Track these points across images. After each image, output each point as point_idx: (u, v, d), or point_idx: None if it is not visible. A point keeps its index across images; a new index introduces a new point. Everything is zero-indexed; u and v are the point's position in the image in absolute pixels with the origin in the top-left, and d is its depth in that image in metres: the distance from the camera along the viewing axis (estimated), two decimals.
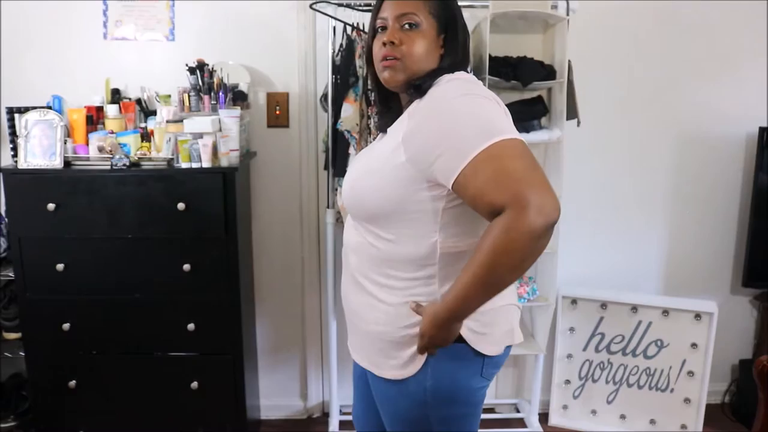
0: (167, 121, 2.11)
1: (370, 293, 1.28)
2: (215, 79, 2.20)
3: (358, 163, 1.33)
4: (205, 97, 2.18)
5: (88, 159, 2.13)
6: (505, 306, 1.29)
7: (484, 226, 1.10)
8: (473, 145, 1.07)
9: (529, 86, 2.24)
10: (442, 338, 1.18)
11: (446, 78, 1.21)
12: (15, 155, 2.16)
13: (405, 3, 1.25)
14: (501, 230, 1.03)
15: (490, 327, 1.25)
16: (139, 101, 2.33)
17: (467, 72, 1.28)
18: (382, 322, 1.26)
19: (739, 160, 2.62)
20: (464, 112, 1.12)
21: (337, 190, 2.32)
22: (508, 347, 1.32)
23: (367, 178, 1.25)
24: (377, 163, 1.24)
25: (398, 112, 1.30)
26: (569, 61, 2.23)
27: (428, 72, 1.25)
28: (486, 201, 1.06)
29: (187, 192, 2.07)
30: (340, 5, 2.22)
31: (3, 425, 2.42)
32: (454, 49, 1.29)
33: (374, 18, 1.31)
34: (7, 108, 2.21)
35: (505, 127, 1.10)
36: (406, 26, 1.25)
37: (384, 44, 1.26)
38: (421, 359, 1.24)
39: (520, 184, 1.02)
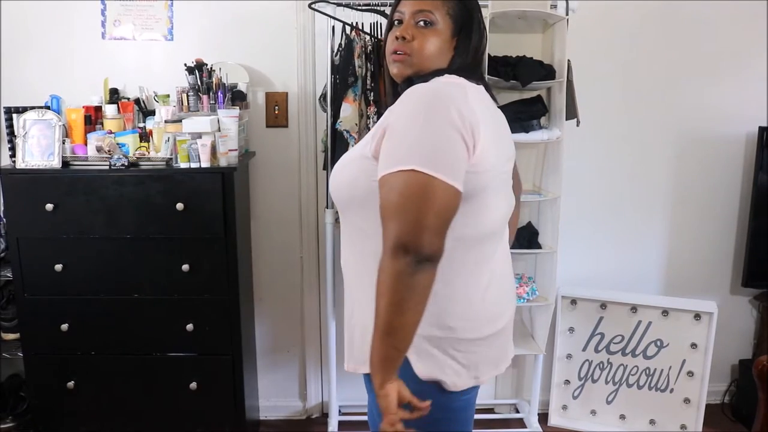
0: (166, 121, 2.11)
1: (356, 288, 1.28)
2: (214, 79, 2.19)
3: (344, 156, 1.34)
4: (204, 97, 2.18)
5: (86, 159, 2.13)
6: (454, 340, 1.21)
7: (467, 225, 1.16)
8: (398, 161, 1.08)
9: (528, 86, 2.23)
10: (380, 400, 1.12)
11: (434, 80, 1.22)
12: (13, 155, 2.15)
13: (424, 1, 1.26)
14: (378, 271, 1.08)
15: (430, 360, 1.20)
16: (137, 101, 2.33)
17: (473, 76, 1.27)
18: (365, 315, 1.23)
19: (739, 160, 2.62)
20: (416, 124, 1.11)
21: None
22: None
23: (344, 169, 1.26)
24: (354, 155, 1.25)
25: None
26: (569, 60, 2.23)
27: (433, 71, 1.25)
28: (381, 221, 1.09)
29: (186, 192, 2.07)
30: (339, 5, 2.22)
31: (2, 426, 2.42)
32: (465, 52, 1.28)
33: (393, 10, 1.32)
34: (5, 108, 2.21)
35: (437, 159, 1.07)
36: (421, 23, 1.25)
37: (397, 38, 1.26)
38: None
39: (403, 224, 1.05)
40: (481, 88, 1.28)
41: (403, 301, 1.07)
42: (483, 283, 1.23)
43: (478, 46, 1.31)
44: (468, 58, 1.29)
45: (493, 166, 1.18)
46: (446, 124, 1.11)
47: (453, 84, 1.21)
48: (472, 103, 1.17)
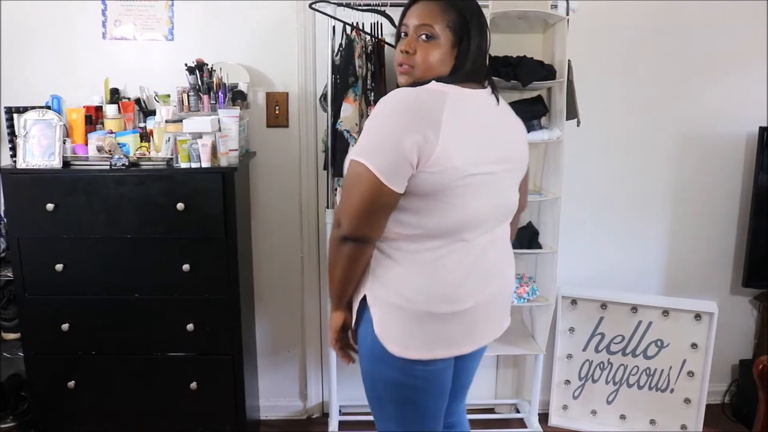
0: (166, 121, 2.11)
1: None
2: (214, 79, 2.20)
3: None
4: (205, 97, 2.18)
5: (87, 159, 2.13)
6: (410, 311, 1.36)
7: (423, 219, 1.32)
8: (356, 152, 1.31)
9: (528, 86, 2.23)
10: (330, 320, 1.49)
11: (418, 87, 1.35)
12: (14, 155, 2.15)
13: (425, 15, 1.38)
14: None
15: (385, 321, 1.38)
16: (138, 101, 2.33)
17: (473, 81, 1.39)
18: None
19: (739, 160, 2.62)
20: (378, 121, 1.30)
21: (336, 189, 2.32)
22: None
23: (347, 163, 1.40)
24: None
25: None
26: (569, 60, 2.23)
27: (433, 78, 1.37)
28: None
29: (187, 192, 2.07)
30: (339, 5, 2.22)
31: (2, 426, 2.42)
32: (463, 62, 1.38)
33: (400, 22, 1.45)
34: (6, 108, 2.20)
35: (378, 158, 1.27)
36: (423, 37, 1.38)
37: (402, 51, 1.40)
38: (356, 311, 1.44)
39: (342, 204, 1.34)
40: (479, 92, 1.39)
41: (335, 261, 1.38)
42: (448, 266, 1.36)
43: (477, 52, 1.40)
44: (467, 67, 1.39)
45: (458, 166, 1.29)
46: (399, 128, 1.27)
47: (432, 91, 1.33)
48: (444, 110, 1.29)
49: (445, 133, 1.27)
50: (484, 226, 1.39)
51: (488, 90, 1.43)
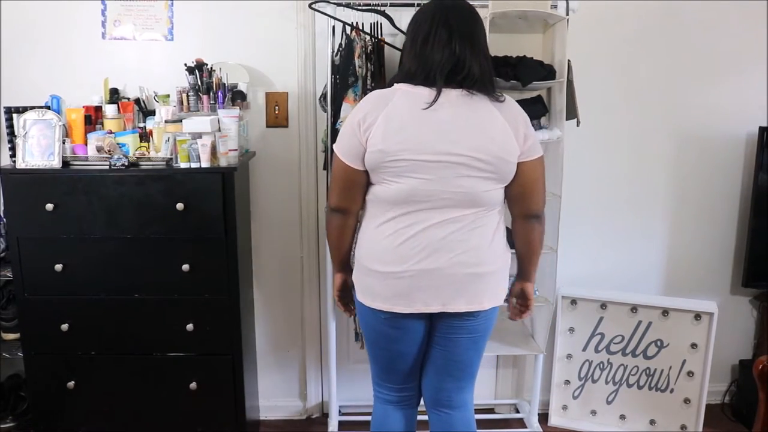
0: (166, 121, 2.11)
1: None
2: (214, 79, 2.20)
3: None
4: (204, 97, 2.18)
5: (86, 159, 2.13)
6: (360, 264, 1.66)
7: (375, 188, 1.60)
8: None
9: (528, 86, 2.23)
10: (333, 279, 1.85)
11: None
12: (13, 155, 2.15)
13: None
14: None
15: (355, 269, 1.70)
16: (137, 101, 2.33)
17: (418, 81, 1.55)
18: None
19: (739, 160, 2.62)
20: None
21: None
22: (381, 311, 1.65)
23: None
24: None
25: None
26: (569, 60, 2.23)
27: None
28: None
29: (186, 192, 2.07)
30: (339, 5, 2.22)
31: (2, 426, 2.42)
32: (406, 63, 1.59)
33: None
34: (5, 108, 2.21)
35: (339, 142, 1.60)
36: None
37: None
38: None
39: (330, 185, 1.70)
40: (431, 92, 1.52)
41: (328, 230, 1.71)
42: (386, 232, 1.58)
43: (407, 53, 1.59)
44: (405, 68, 1.58)
45: (387, 150, 1.51)
46: (352, 118, 1.56)
47: (390, 89, 1.58)
48: (389, 103, 1.52)
49: (382, 120, 1.51)
50: (428, 205, 1.55)
51: (456, 92, 1.53)
